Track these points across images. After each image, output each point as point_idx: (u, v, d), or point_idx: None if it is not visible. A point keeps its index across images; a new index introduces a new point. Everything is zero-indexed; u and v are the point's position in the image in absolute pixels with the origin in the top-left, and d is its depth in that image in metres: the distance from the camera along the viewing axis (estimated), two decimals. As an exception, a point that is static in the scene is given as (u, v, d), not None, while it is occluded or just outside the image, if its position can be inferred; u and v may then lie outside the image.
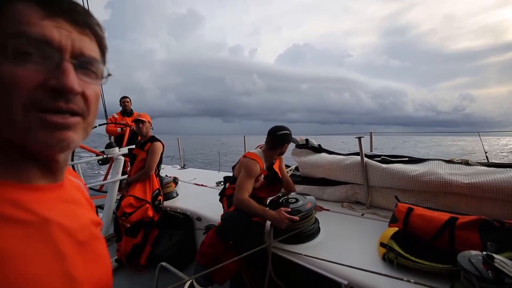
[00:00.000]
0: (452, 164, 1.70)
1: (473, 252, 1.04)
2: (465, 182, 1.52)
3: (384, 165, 1.86)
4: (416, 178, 1.68)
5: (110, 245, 2.64)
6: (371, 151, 2.44)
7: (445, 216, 1.29)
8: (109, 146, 2.93)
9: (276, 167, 1.90)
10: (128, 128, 3.92)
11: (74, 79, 0.35)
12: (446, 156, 1.90)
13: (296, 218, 1.50)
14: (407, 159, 1.94)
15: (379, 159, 2.01)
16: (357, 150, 1.98)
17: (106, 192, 3.08)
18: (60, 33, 0.34)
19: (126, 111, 4.11)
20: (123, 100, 4.09)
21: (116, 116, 4.08)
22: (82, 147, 3.53)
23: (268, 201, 1.93)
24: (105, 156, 3.02)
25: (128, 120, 4.03)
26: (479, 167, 1.61)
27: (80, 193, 0.51)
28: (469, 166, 1.64)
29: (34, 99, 0.33)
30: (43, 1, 0.34)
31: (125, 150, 2.91)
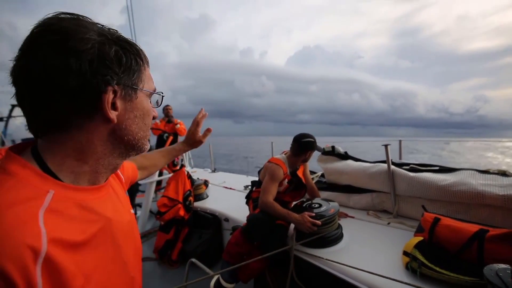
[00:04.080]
0: (487, 175, 1.61)
1: (501, 266, 1.01)
2: (500, 193, 1.44)
3: (411, 174, 1.81)
4: (445, 188, 1.62)
5: (148, 240, 2.87)
6: (400, 159, 2.38)
7: (474, 227, 1.24)
8: (149, 150, 3.24)
9: (300, 173, 1.96)
10: (171, 136, 4.40)
11: None
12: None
13: (319, 222, 1.54)
14: (437, 168, 1.87)
15: (407, 167, 1.96)
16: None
17: (143, 191, 3.36)
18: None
19: (169, 119, 4.51)
20: (166, 108, 4.51)
21: (159, 122, 4.50)
22: None
23: (292, 205, 1.99)
24: None
25: (169, 127, 4.46)
26: (518, 178, 1.51)
27: (116, 179, 0.66)
28: (507, 177, 1.54)
29: (151, 123, 0.57)
30: (148, 65, 0.55)
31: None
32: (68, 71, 0.39)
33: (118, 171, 0.68)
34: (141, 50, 0.52)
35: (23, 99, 0.42)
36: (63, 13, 0.43)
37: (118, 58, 0.45)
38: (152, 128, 4.46)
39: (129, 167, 0.81)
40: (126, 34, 0.50)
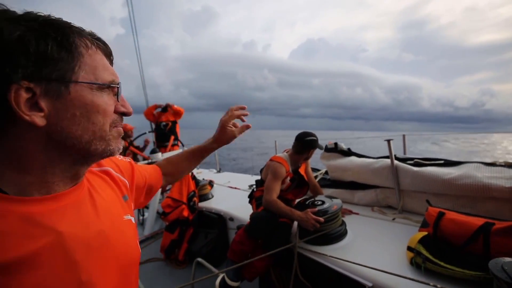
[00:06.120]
0: (493, 167, 1.58)
1: (507, 259, 0.99)
2: (507, 186, 1.41)
3: (415, 168, 1.79)
4: (450, 181, 1.59)
5: (156, 240, 2.92)
6: (404, 154, 2.35)
7: (479, 221, 1.22)
8: (153, 151, 3.30)
9: (302, 170, 1.96)
10: (170, 123, 4.26)
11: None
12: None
13: (322, 219, 1.53)
14: (442, 161, 1.84)
15: (412, 162, 1.94)
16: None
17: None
18: (115, 74, 0.49)
19: (165, 107, 4.35)
20: (158, 113, 4.40)
21: (155, 113, 4.41)
22: (133, 150, 3.93)
23: (295, 203, 1.99)
24: (150, 160, 3.38)
25: (165, 115, 4.31)
26: (525, 170, 1.48)
27: (111, 182, 0.60)
28: (514, 169, 1.51)
29: (113, 120, 0.48)
30: (107, 53, 0.49)
31: (167, 155, 3.24)
32: None
33: (118, 174, 0.63)
34: (80, 32, 0.43)
35: None
36: None
37: (24, 44, 0.36)
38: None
39: (146, 171, 0.76)
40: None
